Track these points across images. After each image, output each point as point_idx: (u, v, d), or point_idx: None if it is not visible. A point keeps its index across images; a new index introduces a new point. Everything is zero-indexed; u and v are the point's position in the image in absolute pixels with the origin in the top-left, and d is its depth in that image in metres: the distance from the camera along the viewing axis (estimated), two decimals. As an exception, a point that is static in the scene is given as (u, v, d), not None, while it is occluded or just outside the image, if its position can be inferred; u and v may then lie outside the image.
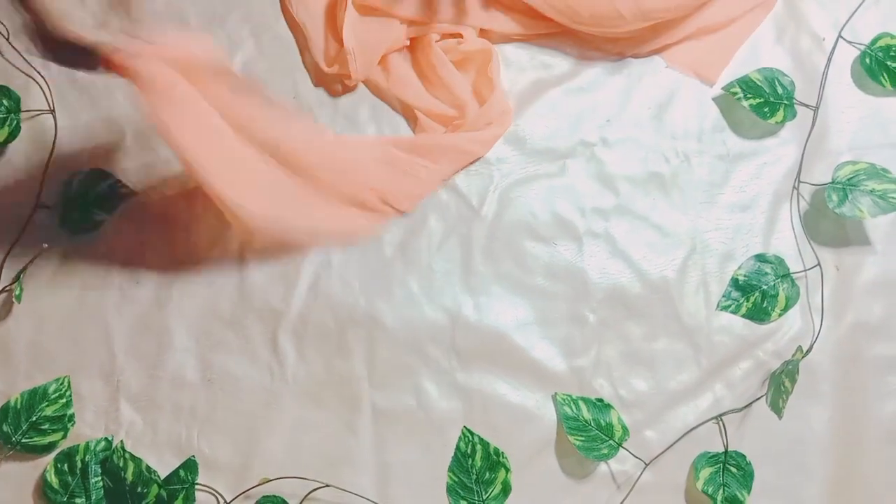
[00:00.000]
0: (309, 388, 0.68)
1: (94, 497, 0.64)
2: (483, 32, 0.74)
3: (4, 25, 0.73)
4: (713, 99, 0.74)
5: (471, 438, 0.67)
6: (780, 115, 0.72)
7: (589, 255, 0.71)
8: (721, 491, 0.66)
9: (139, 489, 0.64)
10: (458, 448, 0.67)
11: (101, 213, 0.70)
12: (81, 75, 0.72)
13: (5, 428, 0.65)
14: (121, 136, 0.72)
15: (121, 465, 0.64)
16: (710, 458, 0.67)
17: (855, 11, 0.75)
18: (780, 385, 0.65)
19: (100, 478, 0.64)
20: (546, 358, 0.69)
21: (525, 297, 0.70)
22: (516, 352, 0.69)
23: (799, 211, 0.72)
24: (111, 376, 0.68)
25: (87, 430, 0.67)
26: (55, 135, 0.72)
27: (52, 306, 0.69)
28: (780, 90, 0.73)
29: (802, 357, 0.68)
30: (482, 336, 0.69)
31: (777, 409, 0.65)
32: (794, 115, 0.73)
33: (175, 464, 0.66)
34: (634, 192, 0.72)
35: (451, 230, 0.71)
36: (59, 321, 0.68)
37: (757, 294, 0.70)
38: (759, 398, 0.68)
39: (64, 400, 0.67)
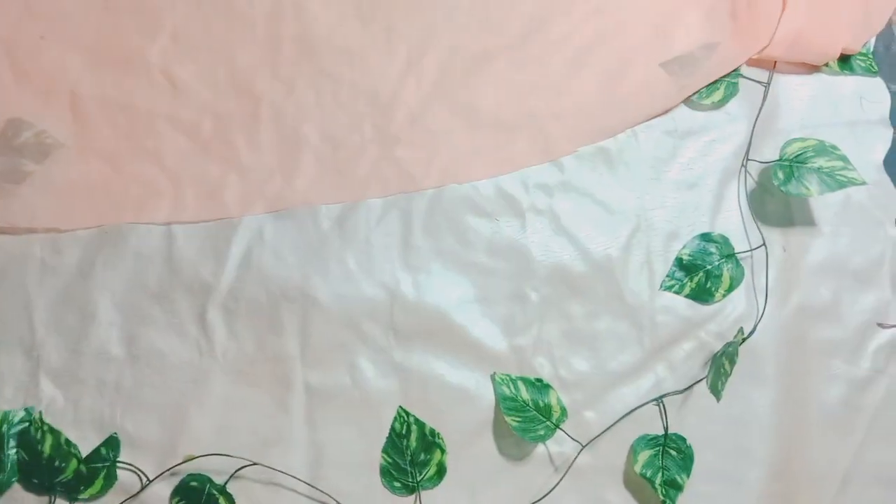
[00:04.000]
0: (239, 365, 0.66)
1: (7, 469, 0.61)
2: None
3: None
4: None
5: (406, 419, 0.65)
6: (719, 93, 0.70)
7: (532, 232, 0.69)
8: (660, 474, 0.64)
9: (57, 463, 0.61)
10: (392, 428, 0.65)
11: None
12: None
13: (-84, 401, 0.62)
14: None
15: (38, 437, 0.61)
16: (649, 441, 0.65)
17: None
18: (721, 367, 0.64)
19: (15, 450, 0.62)
20: (486, 336, 0.67)
21: (466, 275, 0.68)
22: (456, 330, 0.67)
23: (746, 189, 0.71)
24: (31, 350, 0.65)
25: (4, 405, 0.64)
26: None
27: (-30, 277, 0.66)
28: (723, 68, 0.71)
29: (744, 340, 0.67)
30: (421, 314, 0.67)
31: (716, 391, 0.64)
32: (735, 93, 0.71)
33: (97, 442, 0.63)
34: (580, 168, 0.70)
35: (390, 204, 0.69)
36: (-24, 292, 0.66)
37: (701, 274, 0.69)
38: (700, 380, 0.67)
39: None
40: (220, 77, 0.70)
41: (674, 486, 0.64)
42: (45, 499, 0.62)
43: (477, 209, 0.69)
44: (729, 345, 0.65)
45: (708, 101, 0.71)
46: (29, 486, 0.62)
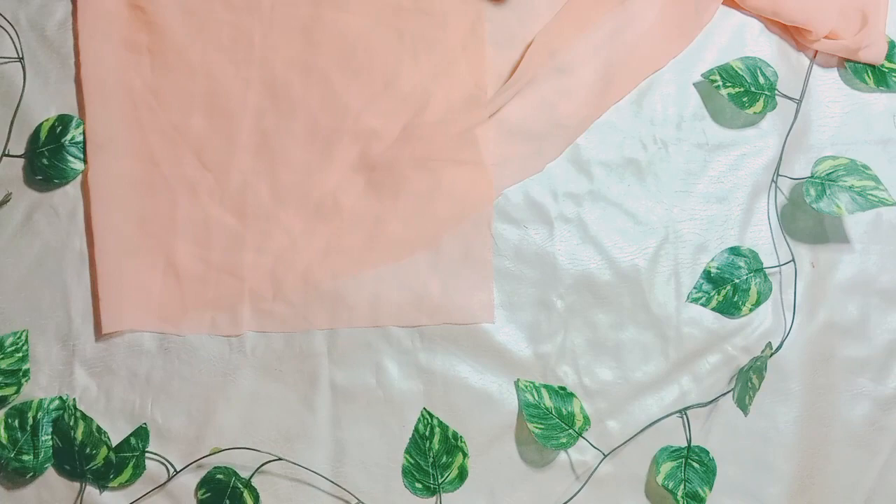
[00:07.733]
0: (267, 361, 0.67)
1: (41, 456, 0.63)
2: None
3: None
4: (694, 85, 0.72)
5: (430, 421, 0.66)
6: (759, 105, 0.70)
7: (559, 240, 0.70)
8: (682, 486, 0.64)
9: (88, 450, 0.63)
10: (416, 430, 0.66)
11: (76, 160, 0.68)
12: (51, 30, 0.72)
13: (-44, 382, 0.64)
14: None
15: (71, 423, 0.63)
16: (672, 453, 0.65)
17: (846, 5, 0.73)
18: (748, 382, 0.64)
19: (50, 437, 0.63)
20: (511, 342, 0.68)
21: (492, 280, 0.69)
22: (481, 335, 0.68)
23: (776, 205, 0.71)
24: (67, 340, 0.67)
25: (40, 392, 0.66)
26: (24, 83, 0.70)
27: (12, 266, 0.67)
28: (761, 80, 0.71)
29: (771, 354, 0.66)
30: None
31: (743, 405, 0.63)
32: (774, 107, 0.71)
33: (127, 432, 0.65)
34: (609, 178, 0.71)
35: (420, 208, 0.70)
36: (17, 281, 0.67)
37: (728, 287, 0.69)
38: (725, 393, 0.67)
39: (20, 354, 0.65)
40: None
41: (696, 499, 0.64)
42: (76, 486, 0.63)
43: (506, 216, 0.70)
44: (757, 359, 0.65)
45: (750, 111, 0.70)
46: (61, 473, 0.64)
